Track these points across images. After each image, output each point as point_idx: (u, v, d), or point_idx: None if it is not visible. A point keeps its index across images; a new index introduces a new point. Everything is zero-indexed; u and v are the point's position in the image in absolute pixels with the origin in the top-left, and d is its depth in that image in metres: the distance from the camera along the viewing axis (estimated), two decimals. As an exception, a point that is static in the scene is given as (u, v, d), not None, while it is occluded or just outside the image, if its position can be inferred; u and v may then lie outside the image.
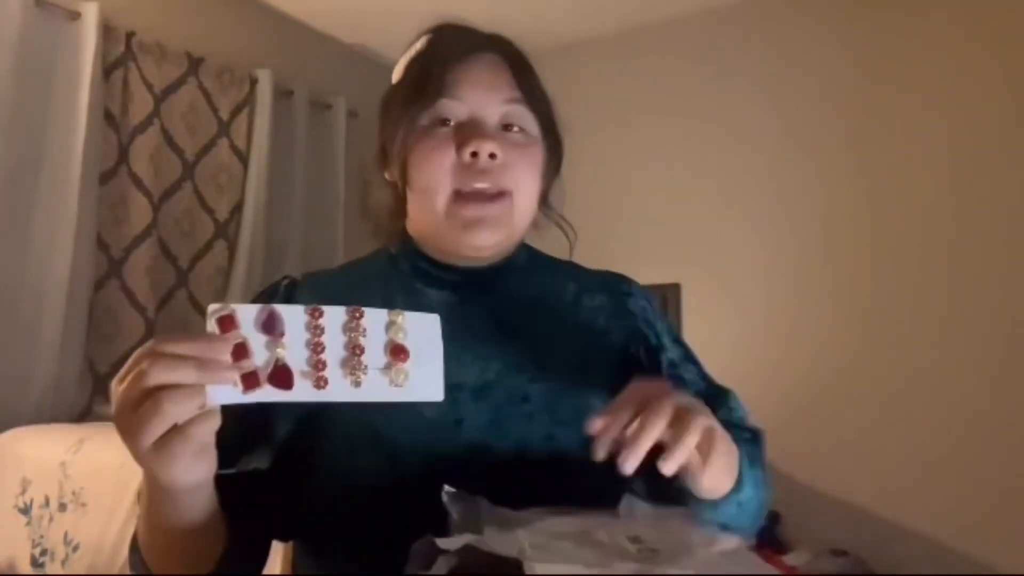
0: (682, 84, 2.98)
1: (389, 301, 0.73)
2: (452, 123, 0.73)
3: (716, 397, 0.76)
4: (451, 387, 0.66)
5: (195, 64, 2.71)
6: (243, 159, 2.87)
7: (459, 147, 0.71)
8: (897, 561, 2.42)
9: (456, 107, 0.73)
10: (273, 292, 0.76)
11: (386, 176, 0.80)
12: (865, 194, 2.63)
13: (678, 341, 0.83)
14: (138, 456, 0.51)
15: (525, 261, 0.82)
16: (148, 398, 0.48)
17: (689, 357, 0.82)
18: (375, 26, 3.17)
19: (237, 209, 2.85)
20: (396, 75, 0.81)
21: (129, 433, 0.49)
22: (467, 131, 0.72)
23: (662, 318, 0.84)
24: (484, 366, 0.73)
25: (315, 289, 0.77)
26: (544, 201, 0.81)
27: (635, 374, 0.68)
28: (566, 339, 0.77)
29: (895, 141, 2.60)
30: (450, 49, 0.75)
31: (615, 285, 0.84)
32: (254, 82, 2.90)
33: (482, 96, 0.73)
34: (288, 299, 0.74)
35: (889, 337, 2.54)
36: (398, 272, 0.79)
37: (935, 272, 2.48)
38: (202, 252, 2.75)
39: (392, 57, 0.81)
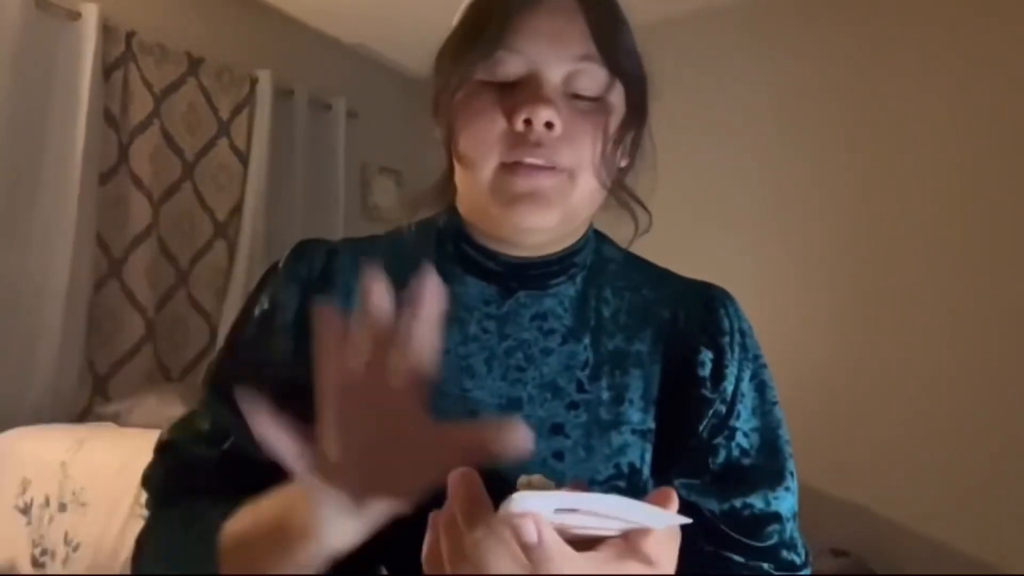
0: (680, 84, 2.97)
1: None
2: (506, 82, 0.60)
3: (759, 477, 0.64)
4: (472, 401, 0.62)
5: (195, 64, 2.71)
6: (243, 159, 2.87)
7: (510, 113, 0.58)
8: (897, 561, 2.42)
9: (512, 61, 0.59)
10: (312, 257, 0.68)
11: (436, 135, 0.67)
12: (865, 196, 2.63)
13: (762, 387, 0.67)
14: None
15: (591, 257, 0.69)
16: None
17: (760, 412, 0.66)
18: (375, 26, 3.18)
19: (237, 209, 2.85)
20: (456, 17, 0.66)
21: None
22: (521, 94, 0.59)
23: (755, 349, 0.68)
24: (516, 379, 0.62)
25: (354, 263, 0.67)
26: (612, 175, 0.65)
27: (671, 407, 0.64)
28: (617, 357, 0.65)
29: (895, 140, 2.59)
30: None
31: (707, 301, 0.68)
32: (254, 82, 2.90)
33: (545, 49, 0.59)
34: (327, 269, 0.67)
35: (889, 337, 2.54)
36: (441, 251, 0.68)
37: (936, 272, 2.48)
38: (202, 252, 2.75)
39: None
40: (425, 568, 0.39)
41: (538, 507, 0.36)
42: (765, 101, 2.83)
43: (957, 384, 2.40)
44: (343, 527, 0.46)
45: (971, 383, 2.38)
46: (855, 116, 2.67)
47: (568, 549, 0.36)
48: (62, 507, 1.77)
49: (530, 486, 0.39)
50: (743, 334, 0.67)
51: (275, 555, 0.49)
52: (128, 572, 1.67)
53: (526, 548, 0.36)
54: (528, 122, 0.58)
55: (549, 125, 0.58)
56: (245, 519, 0.54)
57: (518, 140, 0.58)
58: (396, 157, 3.61)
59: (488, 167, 0.60)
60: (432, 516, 0.40)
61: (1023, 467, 2.28)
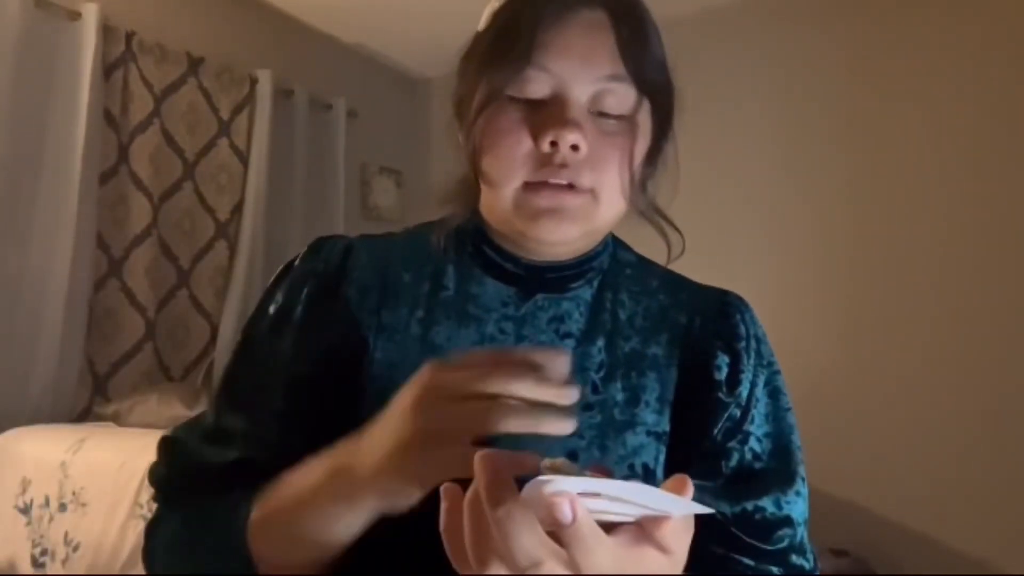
0: (680, 84, 2.97)
1: (442, 282, 0.67)
2: (533, 99, 0.60)
3: (771, 481, 0.63)
4: None
5: (195, 64, 2.71)
6: (243, 159, 2.87)
7: (536, 134, 0.59)
8: (897, 561, 2.42)
9: (540, 80, 0.59)
10: (329, 253, 0.68)
11: (459, 138, 0.67)
12: (864, 202, 2.63)
13: (776, 394, 0.68)
14: (416, 450, 0.46)
15: (608, 261, 0.70)
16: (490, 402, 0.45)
17: (773, 418, 0.67)
18: (375, 26, 3.18)
19: (237, 209, 2.85)
20: (483, 21, 0.65)
21: (432, 428, 0.45)
22: (548, 114, 0.59)
23: (769, 356, 0.69)
24: None
25: (371, 259, 0.68)
26: (641, 197, 0.67)
27: (686, 410, 0.64)
28: (632, 360, 0.66)
29: (895, 148, 2.59)
30: (544, 2, 0.60)
31: (723, 307, 0.69)
32: (254, 82, 2.90)
33: (573, 69, 0.59)
34: (343, 264, 0.67)
35: (888, 337, 2.54)
36: (460, 251, 0.68)
37: (933, 272, 2.48)
38: (202, 252, 2.75)
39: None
40: (444, 537, 0.40)
41: (561, 489, 0.36)
42: (763, 105, 2.83)
43: (956, 384, 2.40)
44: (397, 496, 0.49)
45: (970, 383, 2.38)
46: (854, 122, 2.67)
47: (599, 530, 0.37)
48: (62, 507, 1.77)
49: (554, 469, 0.39)
50: (758, 340, 0.68)
51: (335, 500, 0.51)
52: (127, 572, 1.67)
53: (559, 526, 0.36)
54: (554, 144, 0.58)
55: (575, 148, 0.58)
56: (301, 474, 0.55)
57: (543, 161, 0.59)
58: (396, 157, 3.61)
59: (512, 186, 0.60)
60: (444, 489, 0.40)
61: (1022, 468, 2.28)
